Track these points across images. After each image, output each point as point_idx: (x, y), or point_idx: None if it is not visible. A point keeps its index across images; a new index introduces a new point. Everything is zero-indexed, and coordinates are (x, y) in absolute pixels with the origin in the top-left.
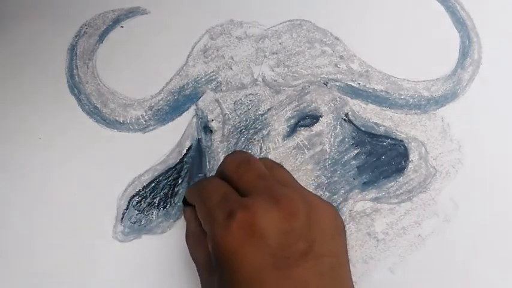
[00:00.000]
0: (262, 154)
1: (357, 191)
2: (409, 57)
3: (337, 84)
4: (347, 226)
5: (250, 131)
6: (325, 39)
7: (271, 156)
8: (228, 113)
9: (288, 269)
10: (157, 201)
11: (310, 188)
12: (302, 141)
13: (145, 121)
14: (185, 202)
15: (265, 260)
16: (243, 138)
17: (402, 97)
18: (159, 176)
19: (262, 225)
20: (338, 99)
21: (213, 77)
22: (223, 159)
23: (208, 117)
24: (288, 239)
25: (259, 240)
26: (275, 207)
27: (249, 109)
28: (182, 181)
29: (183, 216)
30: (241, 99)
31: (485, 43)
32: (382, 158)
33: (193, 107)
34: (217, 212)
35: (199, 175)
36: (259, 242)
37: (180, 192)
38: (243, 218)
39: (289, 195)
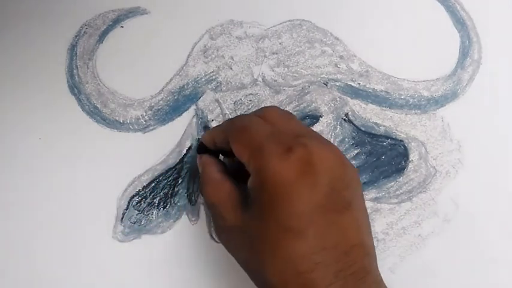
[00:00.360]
0: None
1: None
2: (409, 57)
3: (337, 84)
4: None
5: None
6: (325, 39)
7: None
8: (228, 113)
9: (334, 213)
10: (157, 201)
11: None
12: None
13: (145, 121)
14: (200, 150)
15: (317, 200)
16: None
17: (402, 97)
18: (159, 176)
19: (320, 164)
20: (338, 99)
21: (213, 77)
22: (261, 108)
23: (208, 117)
24: (338, 185)
25: (315, 179)
26: (331, 152)
27: (249, 109)
28: (182, 181)
29: (183, 215)
30: (241, 99)
31: (485, 43)
32: (382, 158)
33: (193, 107)
34: (271, 145)
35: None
36: (313, 181)
37: (180, 192)
38: (302, 153)
39: (336, 147)
